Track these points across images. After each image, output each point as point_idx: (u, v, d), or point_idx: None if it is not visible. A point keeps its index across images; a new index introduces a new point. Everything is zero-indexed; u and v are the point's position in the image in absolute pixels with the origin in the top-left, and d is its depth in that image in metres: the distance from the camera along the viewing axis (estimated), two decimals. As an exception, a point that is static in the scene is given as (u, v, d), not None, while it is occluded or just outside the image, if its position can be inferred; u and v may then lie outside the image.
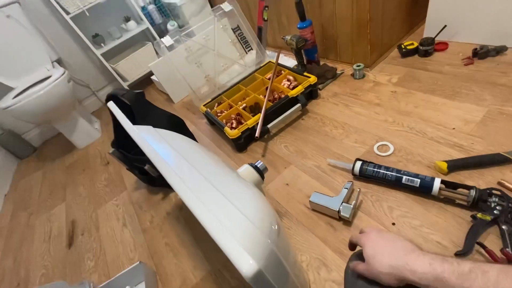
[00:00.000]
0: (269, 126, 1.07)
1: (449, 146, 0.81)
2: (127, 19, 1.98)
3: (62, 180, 1.45)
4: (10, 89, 1.59)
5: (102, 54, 1.83)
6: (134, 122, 0.87)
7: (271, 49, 1.73)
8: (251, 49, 1.42)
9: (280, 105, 1.11)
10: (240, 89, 1.32)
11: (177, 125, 1.03)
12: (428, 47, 1.14)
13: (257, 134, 1.01)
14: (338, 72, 1.28)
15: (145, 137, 0.55)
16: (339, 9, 1.17)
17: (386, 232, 0.44)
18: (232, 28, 1.36)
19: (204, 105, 1.30)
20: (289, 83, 1.24)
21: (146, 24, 1.92)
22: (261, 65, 1.40)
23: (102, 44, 1.91)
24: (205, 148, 0.69)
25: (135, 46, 2.05)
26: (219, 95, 1.32)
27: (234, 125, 1.15)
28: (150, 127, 0.69)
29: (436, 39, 1.15)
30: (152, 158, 0.45)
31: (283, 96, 1.17)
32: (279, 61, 1.32)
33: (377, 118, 0.99)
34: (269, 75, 1.31)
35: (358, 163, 0.81)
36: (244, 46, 1.40)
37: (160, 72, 1.56)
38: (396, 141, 0.89)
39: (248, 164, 0.68)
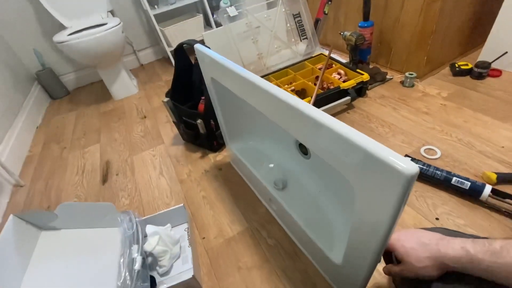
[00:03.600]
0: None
1: (498, 161, 0.83)
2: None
3: (97, 124, 1.49)
4: (63, 27, 1.63)
5: (154, 15, 1.87)
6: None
7: (320, 46, 1.75)
8: (306, 38, 1.44)
9: (330, 94, 1.13)
10: (288, 73, 1.35)
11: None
12: (483, 70, 1.16)
13: None
14: (388, 77, 1.31)
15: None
16: (405, 16, 1.20)
17: (406, 229, 0.45)
18: (293, 14, 1.39)
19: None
20: (339, 76, 1.27)
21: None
22: (312, 55, 1.43)
23: (156, 6, 1.94)
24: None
25: (185, 15, 2.09)
26: (267, 74, 1.35)
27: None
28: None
29: (492, 64, 1.18)
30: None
31: (332, 87, 1.19)
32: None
33: (425, 125, 1.02)
34: (320, 65, 1.34)
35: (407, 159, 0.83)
36: (300, 33, 1.42)
37: (213, 43, 1.59)
38: (443, 147, 0.91)
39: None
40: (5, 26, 1.70)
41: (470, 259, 0.34)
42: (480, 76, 1.18)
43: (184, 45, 0.96)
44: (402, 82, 1.26)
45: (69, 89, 2.01)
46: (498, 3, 1.10)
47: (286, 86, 1.28)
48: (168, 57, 2.02)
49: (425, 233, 0.41)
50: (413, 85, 1.24)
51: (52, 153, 1.32)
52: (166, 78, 1.87)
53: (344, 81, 1.22)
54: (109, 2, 1.82)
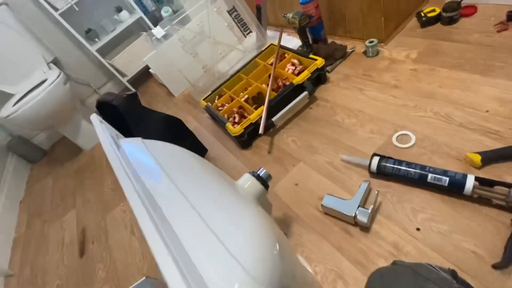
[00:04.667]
0: (274, 119, 0.98)
1: (483, 133, 0.69)
2: (119, 10, 1.88)
3: (72, 185, 1.45)
4: (11, 96, 1.57)
5: (98, 50, 1.76)
6: (127, 128, 0.82)
7: (272, 28, 1.59)
8: (250, 31, 1.29)
9: (285, 95, 1.01)
10: (241, 79, 1.22)
11: (174, 127, 0.96)
12: (453, 13, 0.98)
13: (260, 131, 0.92)
14: (348, 50, 1.15)
15: (129, 159, 0.49)
16: (347, -23, 1.02)
17: None
18: (227, 10, 1.24)
19: (204, 99, 1.22)
20: (293, 67, 1.13)
21: (139, 13, 1.81)
22: (263, 48, 1.28)
23: (96, 39, 1.83)
24: (200, 160, 0.62)
25: (130, 38, 1.96)
26: (219, 86, 1.23)
27: (237, 120, 1.07)
28: (138, 141, 0.62)
29: (462, 2, 0.99)
30: (129, 197, 0.39)
31: (288, 83, 1.06)
32: (282, 43, 1.20)
33: (395, 102, 0.88)
34: (271, 60, 1.19)
35: (376, 159, 0.72)
36: (242, 29, 1.27)
37: (157, 65, 1.47)
38: (418, 129, 0.78)
39: (249, 173, 0.60)
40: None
41: None
42: (452, 21, 1.00)
43: (101, 102, 0.86)
44: (365, 53, 1.10)
45: (45, 149, 1.98)
46: None
47: (241, 94, 1.16)
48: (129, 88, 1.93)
49: None
50: (377, 54, 1.08)
51: (35, 230, 1.31)
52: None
53: (298, 73, 1.08)
54: (48, 52, 1.72)
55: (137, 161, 0.51)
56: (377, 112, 0.88)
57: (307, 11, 1.11)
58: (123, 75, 1.88)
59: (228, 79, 1.24)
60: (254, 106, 1.06)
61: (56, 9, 1.59)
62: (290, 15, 1.12)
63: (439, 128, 0.76)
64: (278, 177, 0.87)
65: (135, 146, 0.58)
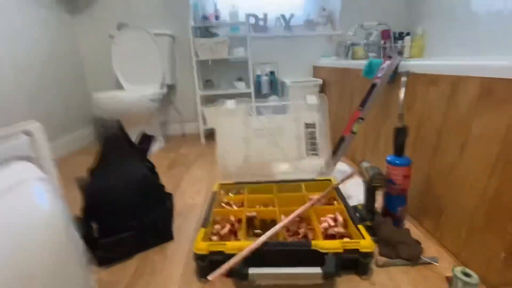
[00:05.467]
0: (252, 271, 0.64)
1: None
2: (240, 79, 2.09)
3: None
4: (122, 89, 1.86)
5: (202, 96, 1.95)
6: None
7: (347, 162, 1.33)
8: (316, 155, 1.08)
9: (292, 250, 0.67)
10: (270, 191, 0.97)
11: (150, 188, 0.77)
12: None
13: (210, 276, 0.60)
14: (425, 258, 0.73)
15: None
16: (465, 167, 0.70)
17: None
18: (305, 122, 1.09)
19: (220, 184, 1.02)
20: (333, 223, 0.80)
21: (251, 89, 1.96)
22: (317, 178, 1.02)
23: (208, 89, 2.06)
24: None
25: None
26: (244, 182, 1.01)
27: (223, 232, 0.79)
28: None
29: None
30: None
31: (308, 238, 0.74)
32: (347, 189, 0.91)
33: None
34: (315, 195, 0.90)
35: None
36: (309, 147, 1.08)
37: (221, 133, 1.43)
38: None
39: None
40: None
41: None
42: None
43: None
44: (449, 281, 0.67)
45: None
46: None
47: (257, 207, 0.90)
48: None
49: None
50: (470, 298, 0.62)
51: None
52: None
53: (331, 236, 0.74)
54: (170, 77, 2.03)
55: None
56: None
57: (390, 174, 0.82)
58: (205, 123, 1.97)
59: (258, 182, 1.01)
60: (254, 232, 0.77)
61: (197, 56, 1.90)
62: (367, 165, 0.86)
63: None
64: None
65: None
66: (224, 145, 1.10)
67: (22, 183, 0.42)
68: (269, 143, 1.11)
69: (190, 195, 1.19)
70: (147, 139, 0.84)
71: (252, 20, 2.06)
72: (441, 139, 0.79)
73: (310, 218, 0.81)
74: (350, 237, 0.74)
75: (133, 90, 1.76)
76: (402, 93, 0.81)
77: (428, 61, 0.88)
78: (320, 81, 1.93)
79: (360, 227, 0.72)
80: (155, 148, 1.86)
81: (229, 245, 0.68)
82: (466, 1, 1.53)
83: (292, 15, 2.12)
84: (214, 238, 0.79)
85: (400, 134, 0.80)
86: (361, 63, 1.23)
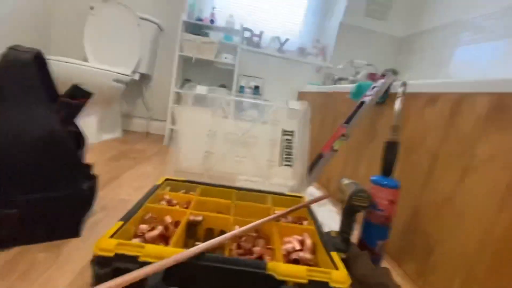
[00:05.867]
0: (172, 292, 0.42)
1: None
2: (222, 86, 1.97)
3: None
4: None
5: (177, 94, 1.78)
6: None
7: (316, 186, 1.18)
8: (290, 166, 0.92)
9: (237, 271, 0.47)
10: (228, 197, 0.77)
11: (60, 153, 0.55)
12: None
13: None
14: (407, 309, 0.56)
15: None
16: (465, 199, 0.58)
17: None
18: (283, 129, 0.95)
19: (166, 179, 0.80)
20: (299, 247, 0.61)
21: (234, 94, 1.84)
22: (287, 193, 0.85)
23: (186, 89, 1.89)
24: None
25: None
26: (195, 182, 0.81)
27: (151, 234, 0.57)
28: None
29: None
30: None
31: (265, 258, 0.54)
32: (317, 215, 0.74)
33: None
34: (281, 210, 0.72)
35: None
36: (282, 156, 0.92)
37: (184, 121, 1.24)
38: None
39: None
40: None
41: None
42: None
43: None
44: None
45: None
46: None
47: (205, 212, 0.69)
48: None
49: None
50: None
51: None
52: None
53: (293, 261, 0.55)
54: (147, 67, 1.85)
55: None
56: None
57: (374, 196, 0.67)
58: (174, 123, 1.77)
59: (214, 185, 0.81)
60: (195, 244, 0.56)
61: (181, 50, 1.76)
62: (346, 181, 0.70)
63: None
64: None
65: None
66: (185, 134, 0.91)
67: None
68: (238, 145, 0.93)
69: (127, 190, 0.94)
70: (80, 94, 0.63)
71: (247, 34, 2.01)
72: (436, 164, 0.67)
73: (271, 236, 0.62)
74: (318, 266, 0.56)
75: (98, 64, 1.55)
76: (398, 103, 0.70)
77: (427, 80, 0.80)
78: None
79: (334, 254, 0.55)
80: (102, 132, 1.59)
81: (149, 249, 0.46)
82: (449, 56, 1.58)
83: (287, 39, 2.11)
84: (136, 241, 0.56)
85: (392, 150, 0.68)
86: (348, 86, 1.16)
